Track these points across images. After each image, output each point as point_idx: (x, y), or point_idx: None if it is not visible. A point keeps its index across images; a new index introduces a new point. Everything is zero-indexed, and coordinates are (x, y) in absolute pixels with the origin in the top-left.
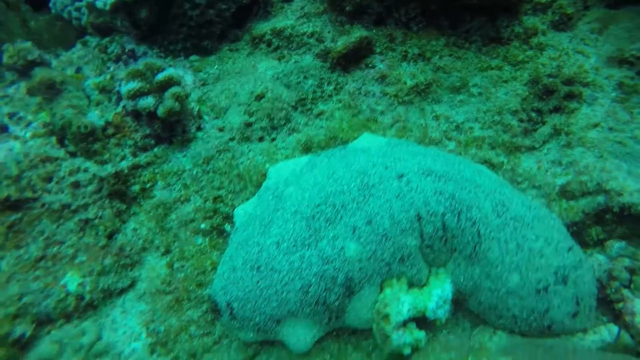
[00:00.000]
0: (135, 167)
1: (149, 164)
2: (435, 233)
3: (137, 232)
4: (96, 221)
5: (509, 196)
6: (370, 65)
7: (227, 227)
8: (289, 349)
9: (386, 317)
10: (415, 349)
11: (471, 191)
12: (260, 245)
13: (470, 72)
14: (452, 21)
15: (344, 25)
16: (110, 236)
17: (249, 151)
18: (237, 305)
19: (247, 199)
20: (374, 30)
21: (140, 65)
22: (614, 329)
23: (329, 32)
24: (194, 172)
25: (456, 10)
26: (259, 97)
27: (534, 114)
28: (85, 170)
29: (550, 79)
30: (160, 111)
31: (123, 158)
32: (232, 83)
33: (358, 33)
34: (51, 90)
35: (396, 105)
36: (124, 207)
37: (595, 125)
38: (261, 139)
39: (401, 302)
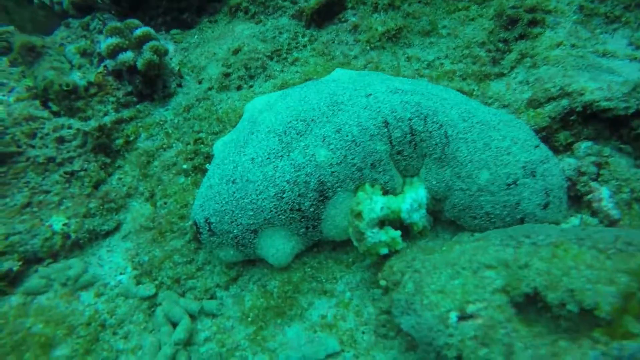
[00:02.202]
0: (118, 122)
1: (131, 118)
2: (403, 138)
3: (122, 180)
4: (81, 173)
5: (474, 106)
6: (343, 19)
7: (208, 165)
8: (270, 265)
9: (359, 214)
10: (393, 251)
11: (437, 101)
12: (235, 162)
13: (439, 16)
14: None
15: None
16: (96, 187)
17: (228, 98)
18: (215, 219)
19: None
20: None
21: (118, 23)
22: (582, 215)
23: None
24: (176, 121)
25: None
26: (236, 51)
27: (500, 44)
28: (69, 127)
29: (514, 10)
30: (140, 63)
31: (106, 114)
32: (211, 46)
33: None
34: (32, 54)
35: (368, 50)
36: (108, 160)
37: (558, 45)
38: (239, 88)
39: (374, 201)
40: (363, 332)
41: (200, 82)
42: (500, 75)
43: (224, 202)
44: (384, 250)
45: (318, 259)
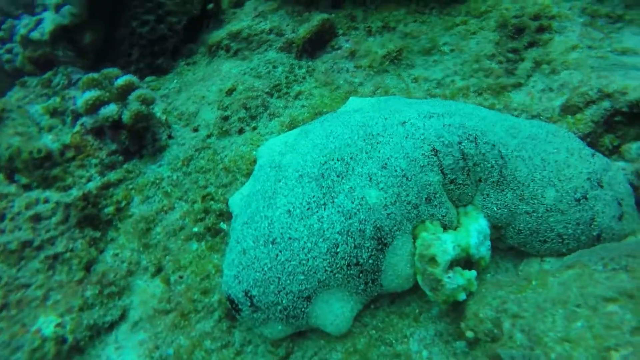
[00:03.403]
0: (104, 187)
1: (120, 181)
2: (455, 164)
3: (119, 256)
4: (67, 255)
5: (515, 121)
6: (336, 47)
7: (223, 224)
8: (326, 333)
9: (432, 259)
10: (468, 293)
11: (479, 121)
12: (269, 217)
13: (437, 33)
14: None
15: (301, 15)
16: (88, 268)
17: (231, 144)
18: (257, 290)
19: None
20: (332, 14)
21: (95, 74)
22: None
23: (287, 25)
24: (174, 177)
25: None
26: (230, 91)
27: (510, 55)
28: (46, 201)
29: (518, 19)
30: (126, 117)
31: (90, 179)
32: (197, 89)
33: (319, 16)
34: None
35: (373, 75)
36: (98, 234)
37: (574, 48)
38: (241, 131)
39: (442, 240)
40: None
41: (195, 130)
42: (518, 85)
43: (266, 268)
44: (462, 296)
45: (379, 317)
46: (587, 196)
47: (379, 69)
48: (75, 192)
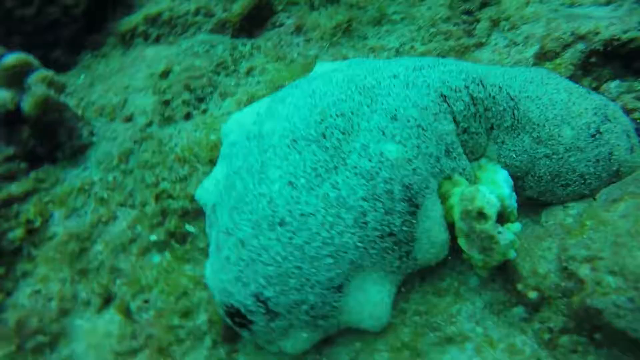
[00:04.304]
0: (4, 204)
1: (27, 194)
2: (467, 110)
3: (43, 294)
4: None
5: (505, 68)
6: (277, 24)
7: (189, 226)
8: (360, 332)
9: (480, 213)
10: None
11: (472, 66)
12: (266, 195)
13: (384, 3)
14: None
15: None
16: None
17: (179, 131)
18: (272, 290)
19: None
20: None
21: None
22: None
23: (215, 5)
24: (110, 179)
25: None
26: (165, 73)
27: (465, 16)
28: None
29: None
30: (29, 105)
31: None
32: (117, 80)
33: None
34: None
35: (327, 47)
36: (1, 270)
37: (527, 3)
38: (188, 116)
39: (481, 192)
40: None
41: (129, 119)
42: (480, 45)
43: (279, 258)
44: (513, 254)
45: (414, 300)
46: (601, 130)
47: (332, 41)
48: None
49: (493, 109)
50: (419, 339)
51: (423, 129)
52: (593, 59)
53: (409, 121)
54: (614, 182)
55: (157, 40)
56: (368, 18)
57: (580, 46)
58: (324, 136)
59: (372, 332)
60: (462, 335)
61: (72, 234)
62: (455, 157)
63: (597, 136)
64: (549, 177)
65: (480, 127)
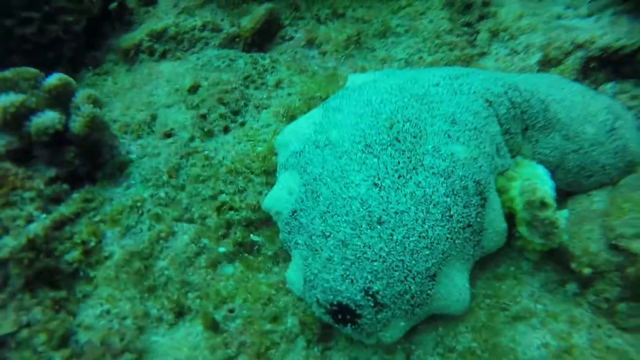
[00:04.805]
0: (57, 225)
1: (77, 214)
2: (509, 113)
3: (113, 313)
4: (24, 334)
5: (523, 75)
6: (286, 37)
7: (255, 236)
8: (440, 317)
9: (542, 203)
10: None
11: (503, 75)
12: (357, 197)
13: (386, 16)
14: None
15: (238, 7)
16: (63, 343)
17: (222, 144)
18: (380, 284)
19: (265, 189)
20: (271, 4)
21: (5, 72)
22: None
23: (222, 19)
24: (161, 195)
25: None
26: (194, 89)
27: (465, 28)
28: None
29: None
30: (79, 125)
31: (29, 220)
32: (134, 96)
33: (263, 6)
34: None
35: (343, 59)
36: (63, 293)
37: (521, 16)
38: (226, 129)
39: (540, 185)
40: (609, 336)
41: (168, 135)
42: (483, 54)
43: (383, 254)
44: (566, 237)
45: (480, 286)
46: (615, 127)
47: (345, 53)
48: (12, 241)
49: (528, 111)
50: (493, 318)
51: (479, 131)
52: (592, 65)
53: (466, 125)
54: (627, 172)
55: (163, 56)
56: (374, 31)
57: (580, 53)
58: (398, 140)
59: (455, 316)
60: (528, 312)
61: (132, 252)
62: (502, 156)
63: (613, 132)
64: (576, 170)
65: (518, 128)
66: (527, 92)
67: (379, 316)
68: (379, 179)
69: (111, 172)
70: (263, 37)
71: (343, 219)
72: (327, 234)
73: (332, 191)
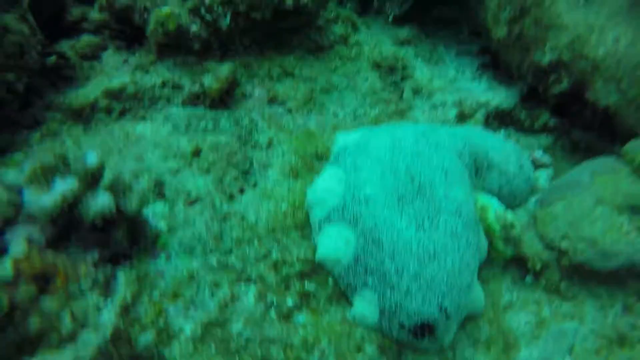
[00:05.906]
0: (123, 311)
1: (135, 294)
2: (469, 160)
3: None
4: None
5: (458, 128)
6: (247, 94)
7: (309, 284)
8: (474, 313)
9: (511, 225)
10: None
11: (453, 131)
12: (412, 238)
13: (326, 75)
14: (276, 43)
15: (195, 65)
16: None
17: (246, 206)
18: (448, 300)
19: (304, 242)
20: (231, 64)
21: (47, 157)
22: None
23: (180, 77)
24: (212, 263)
25: (279, 33)
26: (196, 153)
27: (392, 87)
28: None
29: (386, 60)
30: (135, 204)
31: (98, 308)
32: (120, 161)
33: (225, 66)
34: None
35: (306, 115)
36: None
37: (431, 79)
38: (242, 191)
39: (507, 212)
40: (559, 306)
41: (194, 201)
42: (410, 108)
43: (445, 278)
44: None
45: (483, 277)
46: (522, 163)
47: (306, 109)
48: (94, 337)
49: (478, 158)
50: (496, 311)
51: (462, 176)
52: (490, 118)
53: (455, 173)
54: (531, 192)
55: (123, 114)
56: (320, 88)
57: (482, 110)
58: (420, 190)
59: (480, 312)
60: (510, 302)
61: (205, 324)
62: (472, 192)
63: (522, 166)
64: (507, 195)
65: (473, 170)
66: (475, 144)
67: (446, 326)
68: (418, 223)
69: (145, 245)
70: (228, 95)
71: (409, 257)
72: (400, 270)
73: (391, 236)
